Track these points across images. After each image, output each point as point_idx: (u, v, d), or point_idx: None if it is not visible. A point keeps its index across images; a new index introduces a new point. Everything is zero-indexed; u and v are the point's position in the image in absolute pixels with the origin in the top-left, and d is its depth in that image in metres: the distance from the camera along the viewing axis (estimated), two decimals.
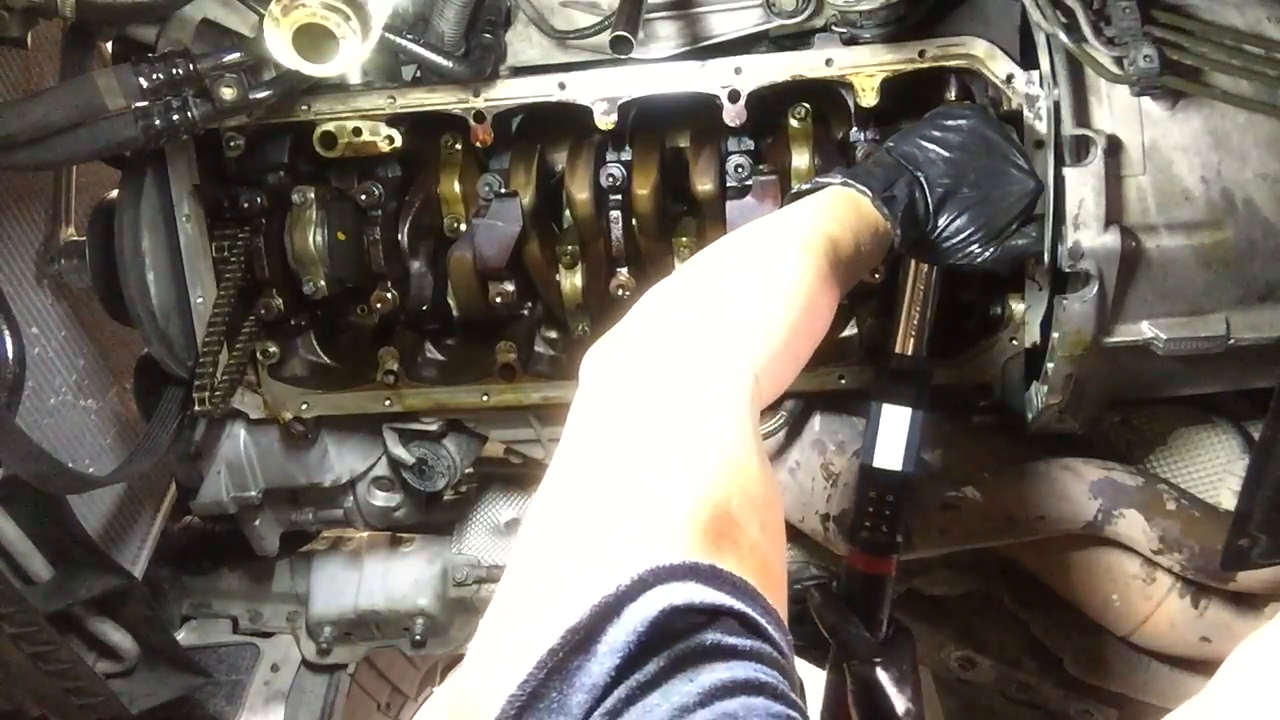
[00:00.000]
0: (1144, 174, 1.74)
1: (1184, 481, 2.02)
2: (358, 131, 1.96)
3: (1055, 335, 1.79)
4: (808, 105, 1.95)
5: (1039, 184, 1.63)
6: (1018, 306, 1.93)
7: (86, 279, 2.10)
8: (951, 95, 1.93)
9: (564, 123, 2.04)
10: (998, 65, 1.82)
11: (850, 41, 1.86)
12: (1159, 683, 2.22)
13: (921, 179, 1.58)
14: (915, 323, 1.72)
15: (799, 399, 2.08)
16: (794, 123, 1.96)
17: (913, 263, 1.71)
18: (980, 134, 1.64)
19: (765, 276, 1.22)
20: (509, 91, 1.93)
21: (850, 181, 1.50)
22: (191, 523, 2.75)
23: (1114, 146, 1.72)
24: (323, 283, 2.02)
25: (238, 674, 2.71)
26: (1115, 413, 2.06)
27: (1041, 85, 1.79)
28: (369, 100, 1.95)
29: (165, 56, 1.77)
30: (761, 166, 2.00)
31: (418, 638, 2.71)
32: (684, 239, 2.02)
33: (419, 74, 1.97)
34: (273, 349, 2.11)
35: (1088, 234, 1.70)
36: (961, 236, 1.59)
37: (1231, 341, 1.75)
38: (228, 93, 1.78)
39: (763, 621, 0.84)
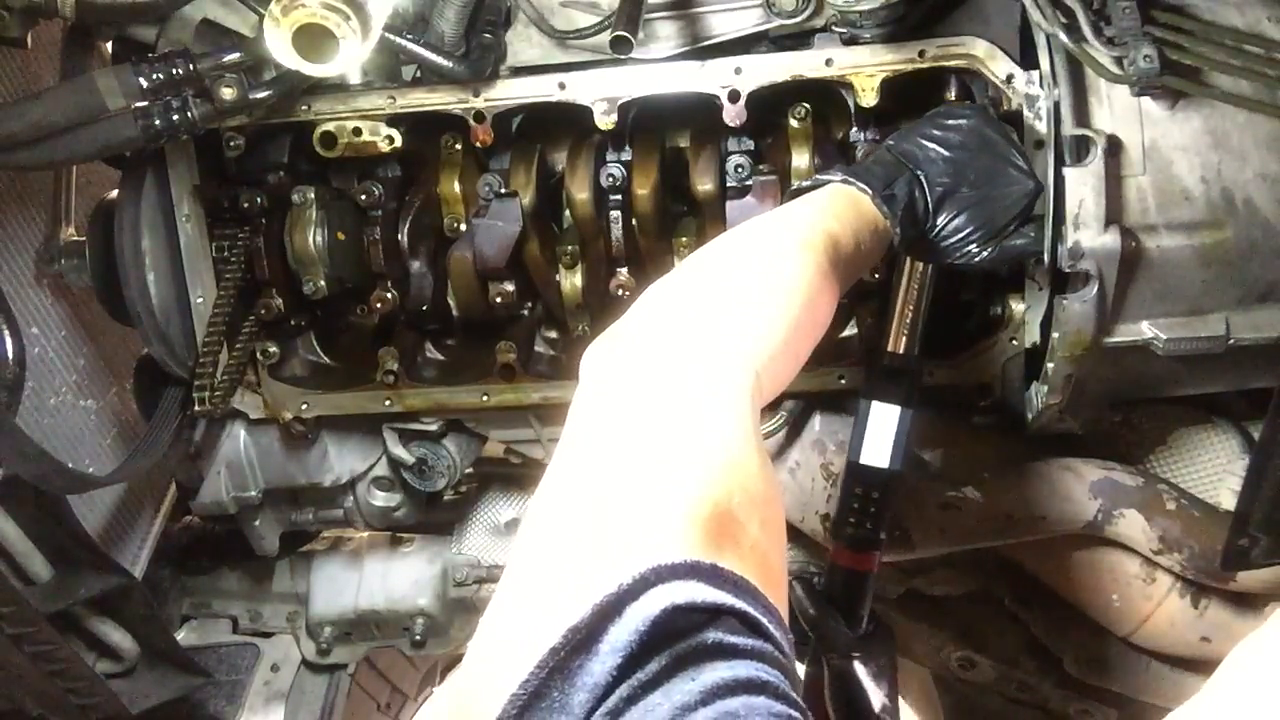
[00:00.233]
0: (1144, 174, 1.74)
1: (1184, 481, 2.02)
2: (358, 131, 1.96)
3: (1055, 335, 1.79)
4: (808, 105, 1.95)
5: (1038, 185, 1.62)
6: (1018, 306, 1.93)
7: (86, 279, 2.10)
8: (951, 95, 1.93)
9: (564, 123, 2.04)
10: (998, 65, 1.82)
11: (850, 41, 1.86)
12: (1159, 683, 2.22)
13: (921, 177, 1.58)
14: (908, 321, 1.72)
15: (799, 399, 2.08)
16: (794, 123, 1.96)
17: (908, 261, 1.71)
18: (980, 134, 1.64)
19: (765, 274, 1.22)
20: (509, 91, 1.93)
21: (850, 179, 1.50)
22: (191, 523, 2.75)
23: (1114, 146, 1.72)
24: (323, 283, 2.02)
25: (238, 674, 2.71)
26: (1115, 413, 2.06)
27: (1041, 85, 1.79)
28: (369, 100, 1.95)
29: (165, 56, 1.77)
30: (761, 166, 2.00)
31: (418, 638, 2.71)
32: (684, 239, 2.02)
33: (419, 74, 1.97)
34: (273, 349, 2.11)
35: (1088, 234, 1.70)
36: (960, 236, 1.59)
37: (1231, 341, 1.75)
38: (228, 93, 1.78)
39: (764, 620, 0.84)
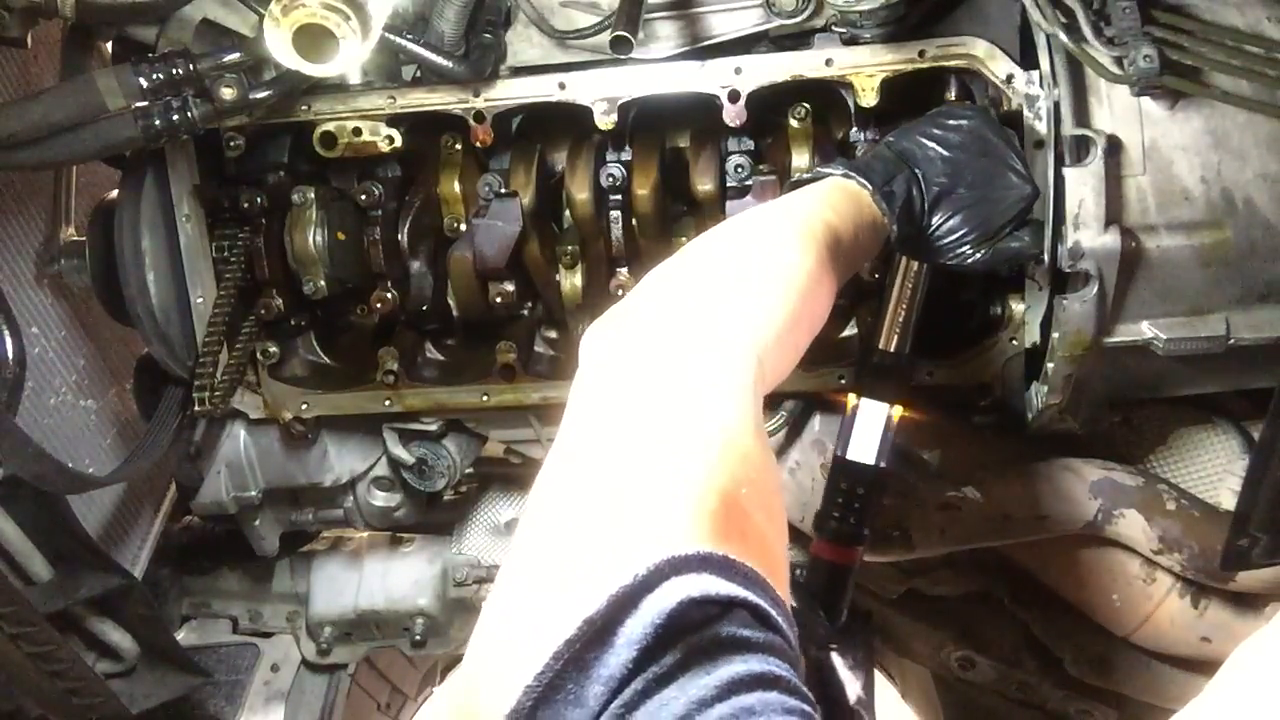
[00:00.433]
0: (1144, 174, 1.74)
1: (1184, 481, 2.02)
2: (358, 131, 1.96)
3: (1055, 335, 1.79)
4: (808, 105, 1.95)
5: (1035, 190, 1.62)
6: (1018, 306, 1.93)
7: (86, 279, 2.10)
8: (951, 95, 1.93)
9: (564, 123, 2.04)
10: (998, 65, 1.82)
11: (850, 41, 1.86)
12: (1159, 683, 2.22)
13: (919, 176, 1.57)
14: (901, 320, 1.71)
15: (799, 399, 2.08)
16: (794, 123, 1.96)
17: (903, 260, 1.71)
18: (981, 136, 1.63)
19: (766, 262, 1.21)
20: (509, 91, 1.93)
21: (851, 173, 1.49)
22: (191, 523, 2.75)
23: (1114, 146, 1.72)
24: (323, 283, 2.02)
25: (238, 674, 2.71)
26: (1115, 413, 2.06)
27: (1041, 85, 1.79)
28: (369, 100, 1.95)
29: (165, 56, 1.77)
30: (761, 166, 2.00)
31: (418, 638, 2.71)
32: (684, 239, 2.02)
33: (419, 74, 1.97)
34: (273, 349, 2.11)
35: (1088, 234, 1.70)
36: (954, 236, 1.58)
37: (1231, 341, 1.75)
38: (228, 93, 1.78)
39: (773, 613, 0.84)
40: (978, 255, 1.60)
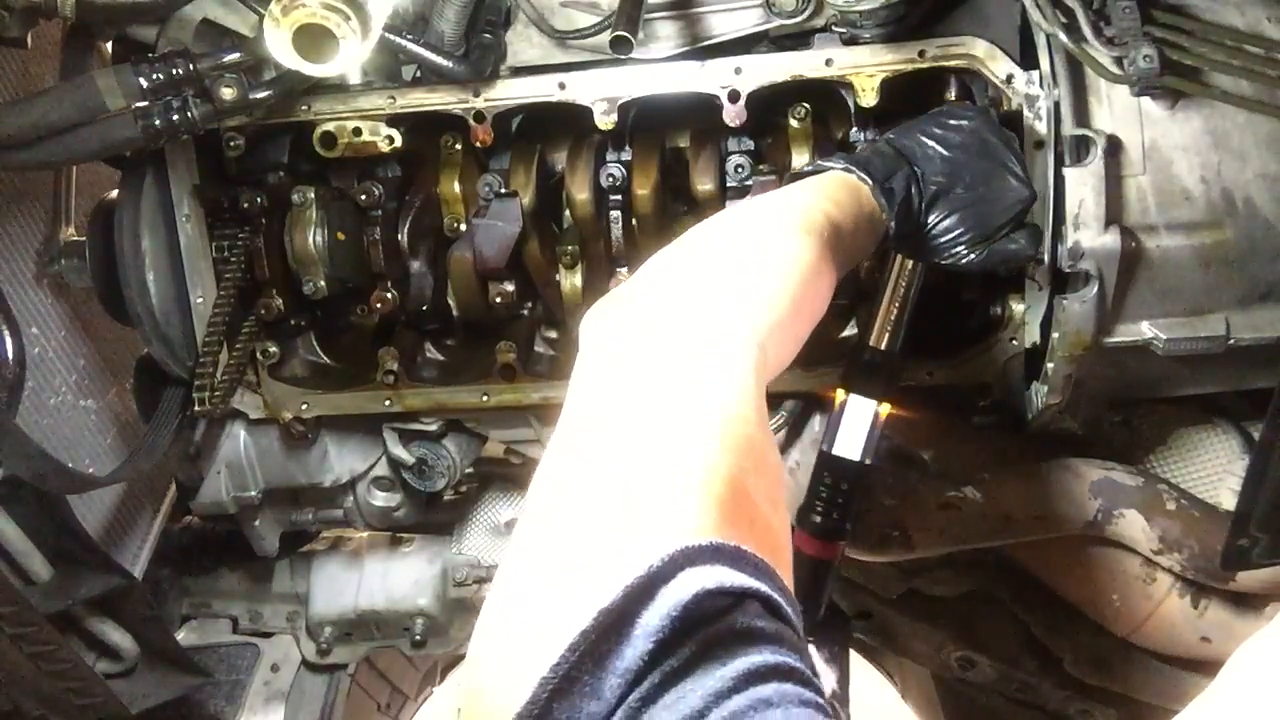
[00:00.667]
0: (1144, 174, 1.74)
1: (1184, 481, 2.02)
2: (358, 131, 1.96)
3: (1055, 335, 1.79)
4: (808, 105, 1.95)
5: (1032, 194, 1.61)
6: (1018, 306, 1.93)
7: (86, 279, 2.10)
8: (951, 95, 1.93)
9: (564, 123, 2.04)
10: (998, 65, 1.82)
11: (850, 41, 1.86)
12: (1159, 683, 2.22)
13: (918, 174, 1.57)
14: (893, 318, 1.71)
15: (799, 399, 2.08)
16: (794, 123, 1.96)
17: (898, 258, 1.71)
18: (981, 137, 1.63)
19: (767, 250, 1.21)
20: (509, 91, 1.93)
21: (852, 168, 1.49)
22: (191, 523, 2.75)
23: (1114, 146, 1.72)
24: (323, 283, 2.02)
25: (238, 674, 2.71)
26: (1115, 413, 2.06)
27: (1041, 85, 1.79)
28: (369, 100, 1.95)
29: (165, 56, 1.77)
30: (761, 166, 2.00)
31: (418, 638, 2.72)
32: None
33: (419, 74, 1.97)
34: (273, 349, 2.11)
35: (1088, 234, 1.70)
36: (950, 236, 1.58)
37: (1231, 341, 1.75)
38: (228, 93, 1.78)
39: (783, 603, 0.83)
40: (972, 256, 1.59)
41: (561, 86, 1.91)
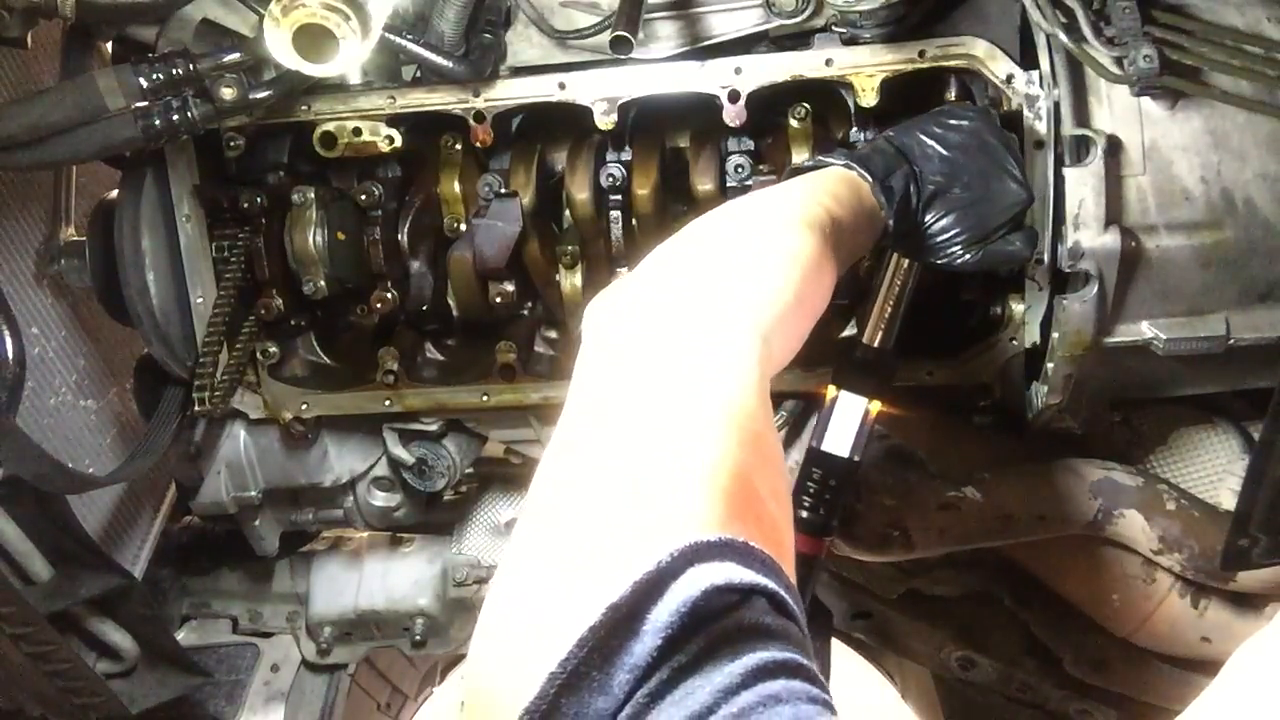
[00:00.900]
0: (1144, 174, 1.74)
1: (1184, 481, 2.02)
2: (358, 131, 1.96)
3: (1055, 335, 1.79)
4: (808, 105, 1.95)
5: (1030, 197, 1.60)
6: (1018, 306, 1.93)
7: (86, 279, 2.10)
8: (951, 95, 1.93)
9: (564, 123, 2.04)
10: (998, 65, 1.82)
11: (850, 41, 1.86)
12: (1159, 683, 2.22)
13: (916, 173, 1.57)
14: (887, 316, 1.71)
15: (799, 399, 2.08)
16: (794, 123, 1.96)
17: (893, 256, 1.71)
18: (980, 137, 1.62)
19: (769, 244, 1.20)
20: (509, 91, 1.93)
21: (853, 165, 1.49)
22: (191, 523, 2.75)
23: (1114, 146, 1.72)
24: (323, 283, 2.02)
25: (238, 674, 2.71)
26: (1115, 413, 2.06)
27: (1041, 85, 1.79)
28: (369, 100, 1.95)
29: (165, 56, 1.77)
30: (761, 166, 2.00)
31: (418, 638, 2.71)
32: None
33: (419, 74, 1.97)
34: (273, 349, 2.11)
35: (1088, 234, 1.70)
36: (946, 236, 1.58)
37: (1231, 341, 1.75)
38: (228, 93, 1.78)
39: (789, 600, 0.83)
40: (968, 256, 1.58)
41: (561, 86, 1.91)
